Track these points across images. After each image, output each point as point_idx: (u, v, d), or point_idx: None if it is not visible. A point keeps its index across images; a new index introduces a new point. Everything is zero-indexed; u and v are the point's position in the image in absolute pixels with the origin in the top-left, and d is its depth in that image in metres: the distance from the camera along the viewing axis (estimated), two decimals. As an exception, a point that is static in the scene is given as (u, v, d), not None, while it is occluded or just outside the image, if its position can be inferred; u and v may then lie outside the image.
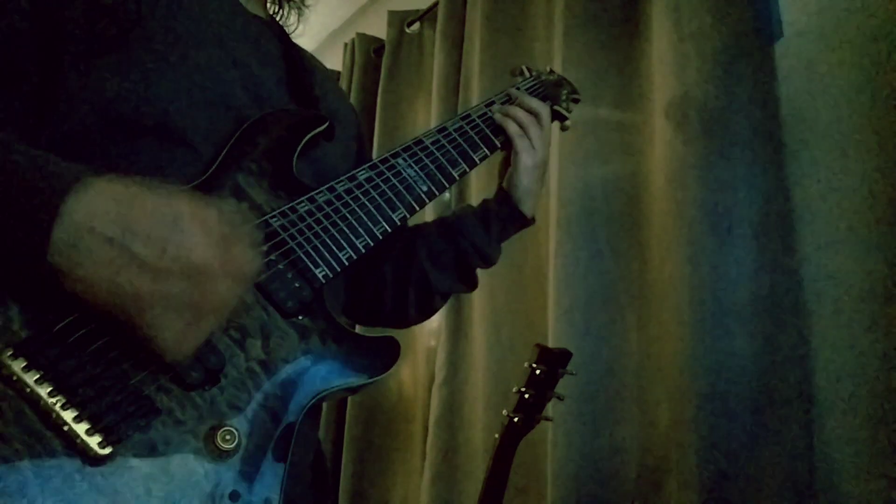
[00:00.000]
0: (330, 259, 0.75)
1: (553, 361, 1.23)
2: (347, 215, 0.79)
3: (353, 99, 2.47)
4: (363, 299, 1.03)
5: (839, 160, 1.24)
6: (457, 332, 1.84)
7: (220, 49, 0.80)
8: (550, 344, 1.45)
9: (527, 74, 1.15)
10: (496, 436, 1.25)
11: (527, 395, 1.22)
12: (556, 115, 1.13)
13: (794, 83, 1.32)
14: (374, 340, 0.74)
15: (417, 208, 0.86)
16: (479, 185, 1.85)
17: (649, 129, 1.48)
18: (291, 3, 1.02)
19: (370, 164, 0.85)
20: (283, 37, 0.95)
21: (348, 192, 0.80)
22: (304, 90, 0.89)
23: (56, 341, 0.56)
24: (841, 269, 1.21)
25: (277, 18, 1.00)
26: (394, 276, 1.01)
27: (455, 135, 0.95)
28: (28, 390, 0.54)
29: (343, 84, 2.58)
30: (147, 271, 0.54)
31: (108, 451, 0.55)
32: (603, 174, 1.54)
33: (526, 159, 0.99)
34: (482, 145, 0.97)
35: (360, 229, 0.79)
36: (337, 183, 0.80)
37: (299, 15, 1.03)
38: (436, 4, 2.24)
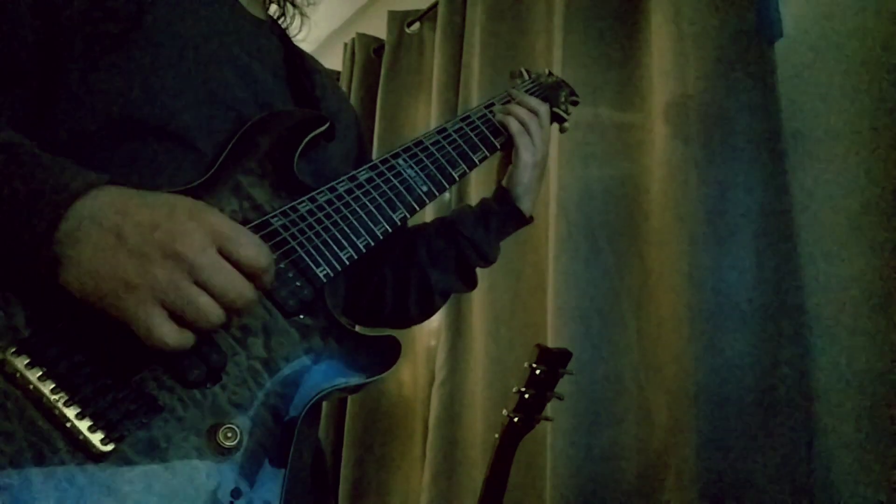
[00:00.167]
0: (331, 258, 0.75)
1: (553, 361, 1.23)
2: (348, 215, 0.79)
3: (353, 99, 2.47)
4: (364, 299, 1.03)
5: (839, 160, 1.24)
6: (457, 332, 1.84)
7: (221, 50, 0.80)
8: (550, 344, 1.45)
9: (526, 77, 1.16)
10: (496, 436, 1.25)
11: (527, 395, 1.22)
12: (555, 117, 1.14)
13: (794, 83, 1.32)
14: (375, 339, 0.75)
15: (417, 208, 0.87)
16: (479, 186, 1.85)
17: (649, 129, 1.49)
18: (293, 6, 1.02)
19: (371, 164, 0.86)
20: (283, 38, 0.96)
21: (349, 192, 0.81)
22: (305, 91, 0.90)
23: (59, 339, 0.57)
24: (841, 270, 1.21)
25: (280, 22, 1.01)
26: (394, 276, 1.02)
27: (455, 136, 0.95)
28: (31, 387, 0.54)
29: (343, 84, 2.58)
30: (134, 256, 0.54)
31: (110, 447, 0.55)
32: (602, 174, 1.54)
33: (526, 157, 1.00)
34: (482, 146, 0.97)
35: (360, 229, 0.79)
36: (338, 183, 0.80)
37: (302, 21, 1.04)
38: (436, 4, 2.24)
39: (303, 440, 0.77)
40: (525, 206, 1.02)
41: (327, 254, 0.75)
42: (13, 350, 0.54)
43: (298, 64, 0.92)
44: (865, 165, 1.20)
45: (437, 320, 1.89)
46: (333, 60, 2.74)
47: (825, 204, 1.25)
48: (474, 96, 1.92)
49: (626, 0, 1.59)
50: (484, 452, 1.64)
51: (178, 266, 0.54)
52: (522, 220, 1.04)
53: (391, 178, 0.85)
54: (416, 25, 2.38)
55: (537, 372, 1.22)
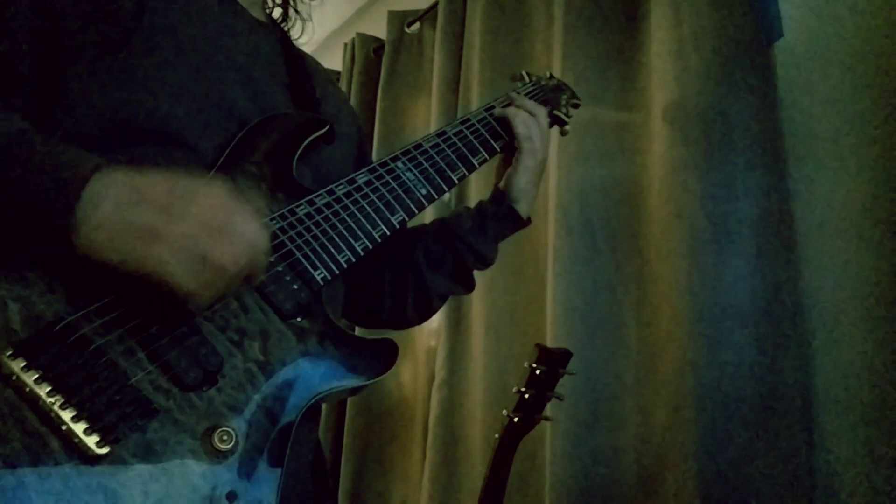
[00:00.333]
0: (328, 261, 0.75)
1: (553, 361, 1.23)
2: (346, 218, 0.79)
3: (353, 99, 2.47)
4: (362, 302, 1.03)
5: (839, 160, 1.24)
6: (456, 332, 1.84)
7: (221, 53, 0.80)
8: (550, 344, 1.45)
9: (526, 80, 1.16)
10: (496, 436, 1.25)
11: (527, 395, 1.22)
12: (555, 120, 1.14)
13: (794, 83, 1.32)
14: (372, 342, 0.75)
15: (416, 211, 0.87)
16: (479, 188, 1.85)
17: (649, 129, 1.48)
18: (294, 9, 1.02)
19: (369, 167, 0.86)
20: (284, 40, 0.96)
21: (347, 195, 0.81)
22: (305, 93, 0.90)
23: (55, 342, 0.57)
24: (841, 271, 1.21)
25: (281, 24, 1.01)
26: (392, 279, 1.02)
27: (455, 139, 0.95)
28: (27, 390, 0.54)
29: (343, 84, 2.58)
30: (157, 210, 0.57)
31: (105, 450, 0.55)
32: (602, 175, 1.54)
33: (527, 159, 1.00)
34: (482, 150, 0.97)
35: (358, 232, 0.79)
36: (336, 186, 0.80)
37: (303, 25, 1.04)
38: (436, 4, 2.24)
39: (302, 441, 0.77)
40: (523, 208, 1.02)
41: (325, 257, 0.75)
42: (10, 353, 0.54)
43: (299, 66, 0.92)
44: (865, 165, 1.20)
45: (437, 321, 1.89)
46: (333, 60, 2.74)
47: (825, 204, 1.25)
48: (474, 96, 1.92)
49: (625, 0, 1.59)
50: (484, 452, 1.64)
51: (201, 221, 0.58)
52: (520, 223, 1.03)
53: (390, 180, 0.85)
54: (416, 25, 2.38)
55: (537, 372, 1.22)
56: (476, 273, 1.04)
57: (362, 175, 0.84)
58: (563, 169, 1.55)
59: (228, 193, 0.61)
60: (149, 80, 0.73)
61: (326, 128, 0.83)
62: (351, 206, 0.80)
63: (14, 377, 0.54)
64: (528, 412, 1.23)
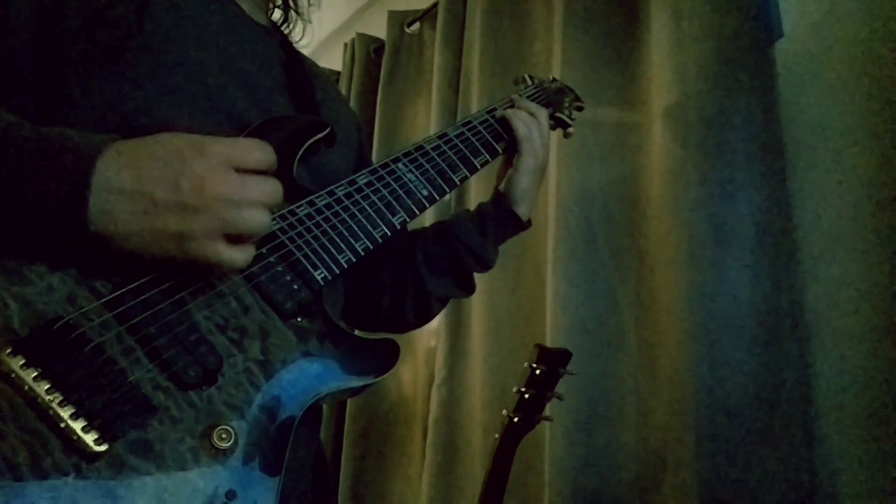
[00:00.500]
0: (329, 261, 0.75)
1: (553, 361, 1.23)
2: (347, 219, 0.79)
3: (353, 99, 2.47)
4: (362, 304, 1.03)
5: (839, 160, 1.24)
6: (456, 332, 1.84)
7: (222, 56, 0.81)
8: (550, 344, 1.45)
9: (529, 83, 1.16)
10: (496, 436, 1.25)
11: (527, 395, 1.22)
12: (558, 123, 1.14)
13: (794, 84, 1.32)
14: (372, 342, 0.75)
15: (417, 212, 0.86)
16: (479, 189, 1.85)
17: (649, 129, 1.48)
18: (295, 12, 1.02)
19: (370, 168, 0.86)
20: (284, 44, 0.96)
21: (348, 195, 0.81)
22: (306, 97, 0.90)
23: (55, 339, 0.57)
24: (841, 271, 1.21)
25: (281, 27, 1.01)
26: (391, 281, 1.01)
27: (456, 140, 0.95)
28: (26, 387, 0.54)
29: (343, 84, 2.58)
30: (174, 211, 0.59)
31: (103, 448, 0.55)
32: (602, 175, 1.54)
33: (527, 160, 1.00)
34: (483, 151, 0.97)
35: (359, 233, 0.79)
36: (337, 187, 0.80)
37: (304, 27, 1.04)
38: (436, 4, 2.24)
39: (303, 441, 0.77)
40: (523, 210, 1.02)
41: (325, 257, 0.75)
42: (9, 350, 0.54)
43: (299, 70, 0.92)
44: (865, 166, 1.20)
45: (436, 321, 1.88)
46: (333, 60, 2.74)
47: (825, 204, 1.25)
48: (474, 96, 1.92)
49: (626, 0, 1.59)
50: (484, 452, 1.64)
51: (216, 203, 0.60)
52: (520, 225, 1.03)
53: (391, 181, 0.85)
54: (416, 25, 2.38)
55: (537, 372, 1.22)
56: (476, 274, 1.04)
57: (363, 176, 0.84)
58: (563, 169, 1.55)
59: (220, 151, 0.62)
60: (150, 82, 0.73)
61: (327, 131, 0.83)
62: (351, 206, 0.80)
63: (13, 375, 0.54)
64: (528, 412, 1.23)
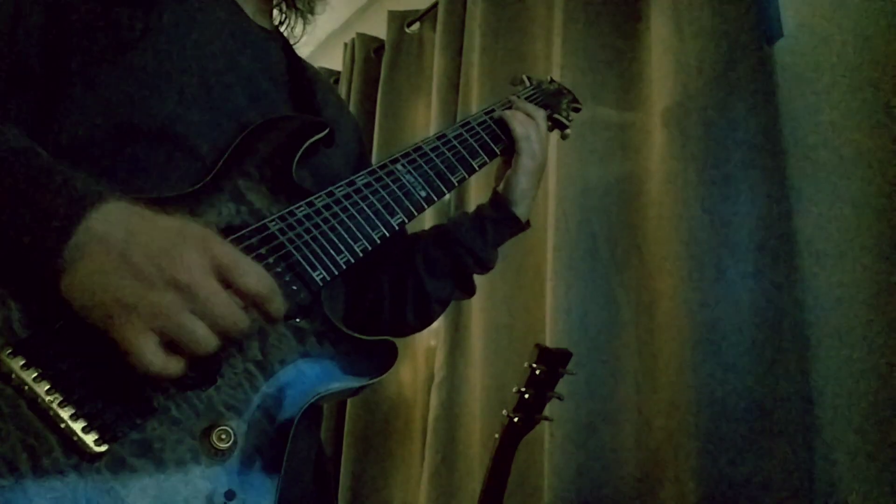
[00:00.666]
0: (328, 262, 0.75)
1: (553, 361, 1.23)
2: (346, 220, 0.79)
3: (352, 99, 2.47)
4: (361, 308, 1.03)
5: (839, 161, 1.24)
6: (456, 332, 1.85)
7: (225, 58, 0.81)
8: (550, 344, 1.45)
9: (527, 84, 1.16)
10: (496, 436, 1.25)
11: (527, 395, 1.22)
12: (556, 124, 1.14)
13: (794, 83, 1.32)
14: (371, 343, 0.75)
15: (416, 214, 0.86)
16: (479, 191, 1.85)
17: (649, 129, 1.48)
18: (298, 11, 1.02)
19: (369, 169, 0.86)
20: (286, 48, 0.96)
21: (347, 196, 0.81)
22: (306, 99, 0.90)
23: (55, 340, 0.57)
24: (841, 273, 1.21)
25: (283, 27, 1.01)
26: (391, 285, 1.01)
27: (454, 142, 0.95)
28: (26, 388, 0.54)
29: (343, 84, 2.58)
30: (136, 279, 0.54)
31: (103, 448, 0.55)
32: (601, 175, 1.54)
33: (525, 160, 1.00)
34: (481, 152, 0.97)
35: (358, 233, 0.79)
36: (336, 188, 0.80)
37: (304, 24, 1.04)
38: (436, 4, 2.24)
39: (303, 442, 0.77)
40: (521, 211, 1.02)
41: (324, 257, 0.75)
42: (9, 351, 0.55)
43: (300, 73, 0.93)
44: (865, 166, 1.20)
45: (436, 321, 1.89)
46: (333, 60, 2.74)
47: (825, 204, 1.25)
48: (474, 96, 1.92)
49: (625, 0, 1.59)
50: (483, 452, 1.64)
51: (177, 293, 0.54)
52: (519, 226, 1.03)
53: (389, 183, 0.85)
54: (416, 25, 2.38)
55: (537, 372, 1.22)
56: (476, 275, 1.04)
57: (362, 177, 0.84)
58: (563, 169, 1.55)
59: (218, 253, 0.57)
60: (154, 81, 0.73)
61: (326, 131, 0.83)
62: (350, 207, 0.80)
63: (13, 375, 0.54)
64: (528, 412, 1.23)
